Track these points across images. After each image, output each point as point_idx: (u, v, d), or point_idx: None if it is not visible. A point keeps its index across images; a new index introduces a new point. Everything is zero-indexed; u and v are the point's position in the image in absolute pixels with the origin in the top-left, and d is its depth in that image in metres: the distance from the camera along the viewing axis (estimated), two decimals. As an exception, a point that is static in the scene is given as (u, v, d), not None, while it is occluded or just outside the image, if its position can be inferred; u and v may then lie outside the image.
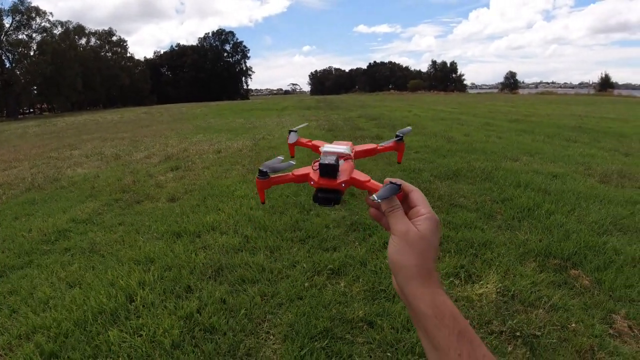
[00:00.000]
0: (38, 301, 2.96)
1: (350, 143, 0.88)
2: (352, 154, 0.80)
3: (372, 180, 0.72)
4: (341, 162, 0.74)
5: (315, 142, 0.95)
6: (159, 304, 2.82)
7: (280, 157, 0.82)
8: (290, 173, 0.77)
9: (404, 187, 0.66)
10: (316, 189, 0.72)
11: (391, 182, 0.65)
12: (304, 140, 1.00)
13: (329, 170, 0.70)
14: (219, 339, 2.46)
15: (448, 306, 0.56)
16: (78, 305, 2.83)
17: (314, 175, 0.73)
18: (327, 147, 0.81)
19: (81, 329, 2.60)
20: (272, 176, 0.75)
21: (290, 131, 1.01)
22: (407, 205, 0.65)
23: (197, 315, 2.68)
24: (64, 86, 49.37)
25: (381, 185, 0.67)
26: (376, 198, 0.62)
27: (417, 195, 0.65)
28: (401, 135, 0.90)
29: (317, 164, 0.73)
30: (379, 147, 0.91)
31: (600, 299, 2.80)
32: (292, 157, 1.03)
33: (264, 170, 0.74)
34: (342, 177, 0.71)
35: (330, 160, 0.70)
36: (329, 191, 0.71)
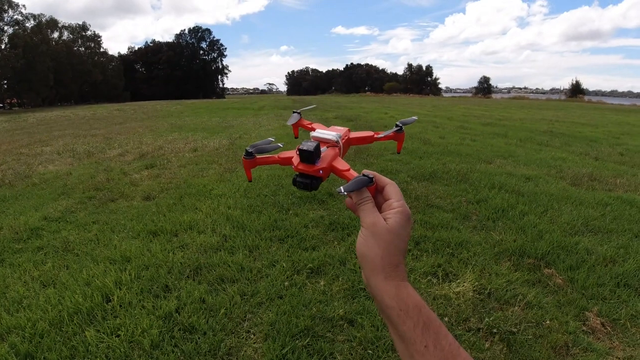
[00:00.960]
0: (11, 301, 2.88)
1: (346, 129, 0.87)
2: (340, 142, 0.79)
3: (351, 170, 0.72)
4: (324, 148, 0.75)
5: (314, 125, 0.95)
6: (136, 304, 2.78)
7: (271, 139, 0.85)
8: (276, 155, 0.79)
9: (379, 180, 0.66)
10: (296, 173, 0.74)
11: (364, 175, 0.65)
12: (305, 122, 1.00)
13: (307, 157, 0.71)
14: (199, 338, 2.44)
15: (412, 298, 0.56)
16: (53, 305, 2.77)
17: (295, 159, 0.74)
18: (316, 133, 0.81)
19: (57, 329, 2.55)
20: (258, 156, 0.78)
21: (293, 112, 1.01)
22: (382, 198, 0.65)
23: (176, 315, 2.65)
24: (35, 81, 48.03)
25: (359, 174, 0.67)
26: (342, 190, 0.62)
27: (391, 189, 0.65)
28: (401, 125, 0.89)
29: (301, 143, 0.73)
30: (376, 136, 0.90)
31: (574, 297, 2.88)
32: (296, 137, 1.04)
33: (250, 150, 0.77)
34: (321, 164, 0.72)
35: (309, 146, 0.70)
36: (307, 176, 0.72)
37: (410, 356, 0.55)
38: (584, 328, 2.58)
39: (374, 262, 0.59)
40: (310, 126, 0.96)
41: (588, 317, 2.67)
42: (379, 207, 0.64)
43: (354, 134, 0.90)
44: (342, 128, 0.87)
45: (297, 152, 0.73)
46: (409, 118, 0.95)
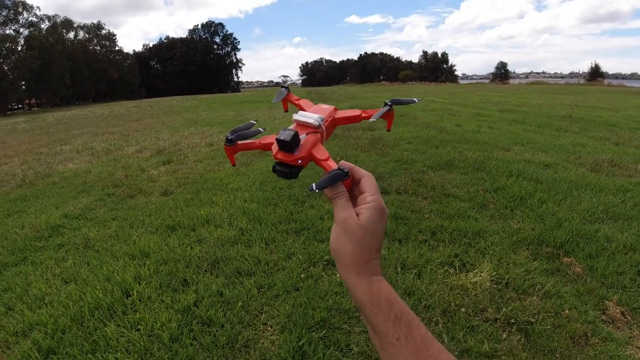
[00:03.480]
0: (33, 298, 2.95)
1: (332, 108, 0.84)
2: (323, 126, 0.76)
3: (330, 160, 0.69)
4: (303, 135, 0.72)
5: (302, 102, 0.92)
6: (155, 298, 2.82)
7: (253, 122, 0.83)
8: (257, 141, 0.77)
9: (355, 173, 0.65)
10: (275, 161, 0.72)
11: (339, 168, 0.64)
12: (293, 97, 0.96)
13: (284, 146, 0.69)
14: (217, 331, 2.47)
15: (384, 292, 0.57)
16: (74, 301, 2.83)
17: (274, 148, 0.72)
18: (298, 115, 0.78)
19: (78, 324, 2.60)
20: (239, 142, 0.76)
21: (281, 86, 0.96)
22: (359, 191, 0.64)
23: (194, 308, 2.69)
24: (52, 81, 48.85)
25: (336, 166, 0.66)
26: (314, 188, 0.62)
27: (366, 181, 0.64)
28: (390, 103, 0.84)
29: (278, 132, 0.71)
30: (363, 114, 0.85)
31: (593, 286, 2.84)
32: (286, 111, 1.01)
33: (230, 137, 0.75)
34: (300, 152, 0.69)
35: (286, 136, 0.68)
36: (286, 165, 0.70)
37: (384, 349, 0.55)
38: (604, 317, 2.54)
39: (345, 258, 0.59)
40: (297, 102, 0.93)
41: (608, 306, 2.63)
42: (355, 201, 0.64)
43: (340, 113, 0.86)
44: (328, 107, 0.85)
45: (275, 140, 0.71)
46: (407, 98, 0.90)
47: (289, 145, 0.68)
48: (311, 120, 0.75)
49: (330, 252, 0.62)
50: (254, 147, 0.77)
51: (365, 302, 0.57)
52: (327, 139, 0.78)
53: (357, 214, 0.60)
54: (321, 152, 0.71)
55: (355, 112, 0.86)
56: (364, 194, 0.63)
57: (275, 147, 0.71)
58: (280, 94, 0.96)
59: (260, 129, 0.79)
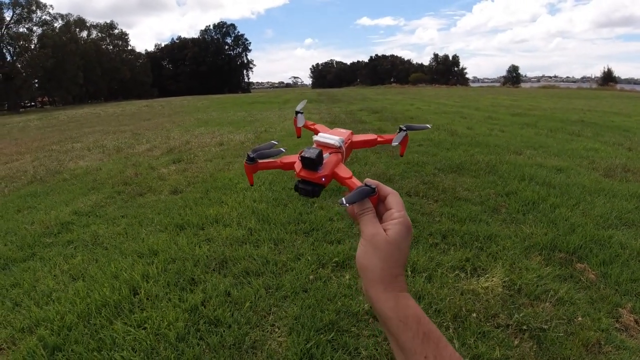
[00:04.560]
0: (41, 294, 2.95)
1: (349, 132, 0.87)
2: (343, 147, 0.78)
3: (353, 178, 0.71)
4: (327, 155, 0.74)
5: (317, 127, 0.94)
6: (163, 297, 2.81)
7: (274, 142, 0.84)
8: (278, 160, 0.78)
9: (381, 190, 0.66)
10: (298, 178, 0.73)
11: (366, 185, 0.65)
12: (309, 123, 1.00)
13: (309, 164, 0.70)
14: (224, 331, 2.45)
15: (412, 309, 0.57)
16: (81, 298, 2.82)
17: (297, 166, 0.73)
18: (319, 137, 0.80)
19: (85, 321, 2.59)
20: (260, 161, 0.77)
21: (297, 112, 1.00)
22: (384, 208, 0.66)
23: (201, 307, 2.67)
24: (65, 79, 49.33)
25: (360, 184, 0.67)
26: (344, 202, 0.62)
27: (393, 199, 0.65)
28: (405, 128, 0.87)
29: (303, 150, 0.72)
30: (379, 139, 0.89)
31: (606, 292, 2.78)
32: (299, 137, 1.05)
33: (252, 155, 0.76)
34: (324, 171, 0.71)
35: (311, 154, 0.69)
36: (309, 183, 0.72)
37: None
38: (617, 325, 2.49)
39: (373, 273, 0.59)
40: (313, 127, 0.96)
41: (621, 313, 2.57)
42: (380, 217, 0.65)
43: (356, 137, 0.89)
44: (345, 131, 0.86)
45: (300, 159, 0.72)
46: (420, 124, 0.93)
47: (314, 163, 0.70)
48: (332, 142, 0.78)
49: (357, 267, 0.62)
50: (274, 166, 0.78)
51: (393, 318, 0.56)
52: (345, 160, 0.80)
53: (385, 230, 0.61)
54: (344, 171, 0.73)
55: (372, 136, 0.90)
56: (390, 210, 0.64)
57: (298, 165, 0.73)
58: (300, 121, 1.00)
59: (282, 149, 0.80)
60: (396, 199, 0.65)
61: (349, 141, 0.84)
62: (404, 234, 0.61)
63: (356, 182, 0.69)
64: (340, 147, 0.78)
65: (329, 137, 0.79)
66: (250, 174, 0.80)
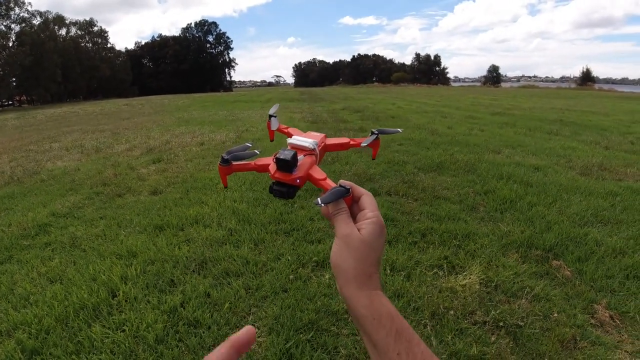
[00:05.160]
0: (18, 297, 2.90)
1: (322, 135, 0.88)
2: (317, 150, 0.80)
3: (327, 179, 0.72)
4: (301, 157, 0.75)
5: (291, 130, 0.97)
6: (141, 299, 2.79)
7: (248, 144, 0.85)
8: (252, 162, 0.79)
9: (355, 191, 0.67)
10: (272, 180, 0.74)
11: (341, 185, 0.66)
12: (282, 126, 1.01)
13: (283, 166, 0.71)
14: (204, 333, 2.44)
15: (385, 307, 0.57)
16: (59, 300, 2.78)
17: (272, 168, 0.74)
18: (293, 140, 0.81)
19: (63, 324, 2.56)
20: (235, 163, 0.78)
21: (270, 116, 1.01)
22: (358, 208, 0.66)
23: (180, 309, 2.65)
24: (43, 78, 48.44)
25: (335, 185, 0.68)
26: (320, 202, 0.63)
27: (366, 199, 0.66)
28: (377, 133, 0.91)
29: (278, 152, 0.73)
30: (351, 142, 0.92)
31: (582, 289, 2.84)
32: (272, 140, 1.08)
33: (226, 157, 0.77)
34: (299, 172, 0.72)
35: (286, 155, 0.70)
36: (284, 185, 0.72)
37: None
38: (592, 321, 2.55)
39: (347, 272, 0.59)
40: (286, 130, 0.98)
41: (596, 309, 2.63)
42: (354, 217, 0.65)
43: (330, 141, 0.91)
44: (318, 134, 0.88)
45: (274, 160, 0.73)
46: (392, 129, 0.98)
47: (289, 164, 0.70)
48: (306, 144, 0.79)
49: (332, 266, 0.62)
50: (249, 168, 0.79)
51: (367, 316, 0.56)
52: (319, 163, 0.81)
53: (359, 229, 0.62)
54: (318, 172, 0.74)
55: (344, 140, 0.93)
56: (364, 211, 0.65)
57: (273, 167, 0.73)
58: (274, 124, 1.01)
59: (256, 151, 0.82)
60: (370, 199, 0.66)
61: (323, 144, 0.86)
62: (378, 233, 0.61)
63: (330, 184, 0.70)
64: (314, 150, 0.79)
65: (303, 139, 0.81)
66: (224, 176, 0.80)
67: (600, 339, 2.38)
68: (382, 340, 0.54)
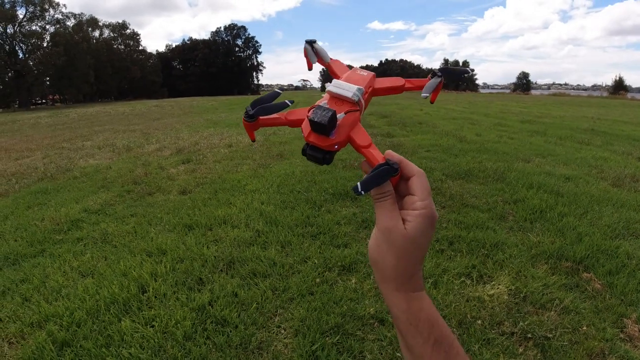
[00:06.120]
0: (50, 290, 2.99)
1: (371, 75, 0.72)
2: (362, 99, 0.65)
3: (372, 147, 0.59)
4: (341, 115, 0.60)
5: (333, 63, 0.79)
6: (171, 296, 2.84)
7: (279, 91, 0.71)
8: (283, 115, 0.66)
9: (405, 168, 0.56)
10: (306, 142, 0.62)
11: (388, 162, 0.55)
12: (324, 59, 0.81)
13: (320, 128, 0.58)
14: (231, 331, 2.47)
15: (425, 312, 0.52)
16: (90, 294, 2.86)
17: (306, 128, 0.61)
18: (332, 87, 0.65)
19: (94, 318, 2.62)
20: (262, 118, 0.65)
21: (309, 42, 0.80)
22: (406, 189, 0.56)
23: (208, 307, 2.69)
24: (76, 78, 49.80)
25: (381, 157, 0.57)
26: (360, 189, 0.53)
27: (418, 182, 0.55)
28: (440, 74, 0.72)
29: (311, 111, 0.59)
30: (407, 85, 0.74)
31: (612, 302, 2.78)
32: (310, 69, 0.84)
33: (251, 112, 0.63)
34: (338, 136, 0.59)
35: (322, 118, 0.56)
36: (320, 150, 0.60)
37: None
38: (622, 335, 2.49)
39: (386, 271, 0.54)
40: (327, 64, 0.80)
41: (626, 323, 2.57)
42: (401, 200, 0.56)
43: (380, 83, 0.74)
44: (365, 74, 0.73)
45: (308, 119, 0.59)
46: (460, 68, 0.76)
47: (325, 128, 0.57)
48: (349, 94, 0.63)
49: (369, 260, 0.56)
50: (279, 122, 0.67)
51: (403, 320, 0.52)
52: (363, 112, 0.67)
53: (404, 220, 0.53)
54: (362, 137, 0.61)
55: (399, 81, 0.75)
56: (413, 197, 0.54)
57: (307, 128, 0.61)
58: (312, 57, 0.80)
59: (287, 101, 0.66)
60: (422, 182, 0.55)
61: (370, 88, 0.71)
62: (425, 228, 0.52)
63: (375, 154, 0.58)
64: (358, 101, 0.64)
65: (346, 87, 0.65)
66: (250, 131, 0.69)
67: (629, 353, 2.32)
68: (419, 347, 0.51)
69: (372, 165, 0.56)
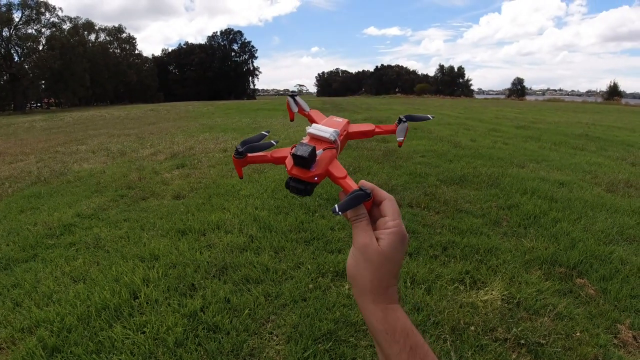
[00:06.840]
0: (42, 295, 2.96)
1: (345, 122, 0.82)
2: (338, 140, 0.73)
3: (347, 178, 0.67)
4: (320, 151, 0.69)
5: (312, 113, 0.89)
6: (162, 302, 2.82)
7: (265, 133, 0.80)
8: (268, 154, 0.74)
9: (377, 195, 0.64)
10: (289, 176, 0.69)
11: (361, 189, 0.62)
12: (302, 108, 0.92)
13: (300, 162, 0.66)
14: (222, 338, 2.45)
15: (400, 322, 0.56)
16: (82, 300, 2.84)
17: (289, 162, 0.69)
18: (312, 129, 0.74)
19: (84, 324, 2.60)
20: (250, 155, 0.73)
21: (290, 96, 0.91)
22: (379, 212, 0.63)
23: (200, 313, 2.68)
24: (72, 81, 49.57)
25: (356, 185, 0.64)
26: (337, 210, 0.60)
27: (388, 205, 0.62)
28: (404, 119, 0.83)
29: (294, 147, 0.68)
30: (377, 129, 0.85)
31: (606, 308, 2.78)
32: (292, 120, 0.98)
33: (241, 150, 0.72)
34: (317, 169, 0.67)
35: (304, 152, 0.64)
36: (302, 182, 0.67)
37: None
38: (615, 341, 2.49)
39: (363, 284, 0.58)
40: (306, 113, 0.90)
41: (620, 329, 2.57)
42: (375, 221, 0.63)
43: (353, 128, 0.84)
44: (340, 120, 0.82)
45: (291, 155, 0.68)
46: (422, 115, 0.87)
47: (306, 161, 0.65)
48: (327, 135, 0.72)
49: (347, 276, 0.61)
50: (265, 160, 0.74)
51: (380, 330, 0.56)
52: (340, 152, 0.76)
53: (377, 239, 0.59)
54: (338, 169, 0.69)
55: (369, 126, 0.85)
56: (385, 218, 0.61)
57: (290, 162, 0.69)
58: (293, 107, 0.92)
59: (272, 141, 0.77)
60: (392, 205, 0.62)
61: (345, 132, 0.80)
62: (398, 244, 0.58)
63: (350, 183, 0.66)
64: (335, 141, 0.73)
65: (323, 129, 0.74)
66: (239, 168, 0.77)
67: (622, 359, 2.32)
68: (395, 356, 0.54)
69: (348, 193, 0.64)
